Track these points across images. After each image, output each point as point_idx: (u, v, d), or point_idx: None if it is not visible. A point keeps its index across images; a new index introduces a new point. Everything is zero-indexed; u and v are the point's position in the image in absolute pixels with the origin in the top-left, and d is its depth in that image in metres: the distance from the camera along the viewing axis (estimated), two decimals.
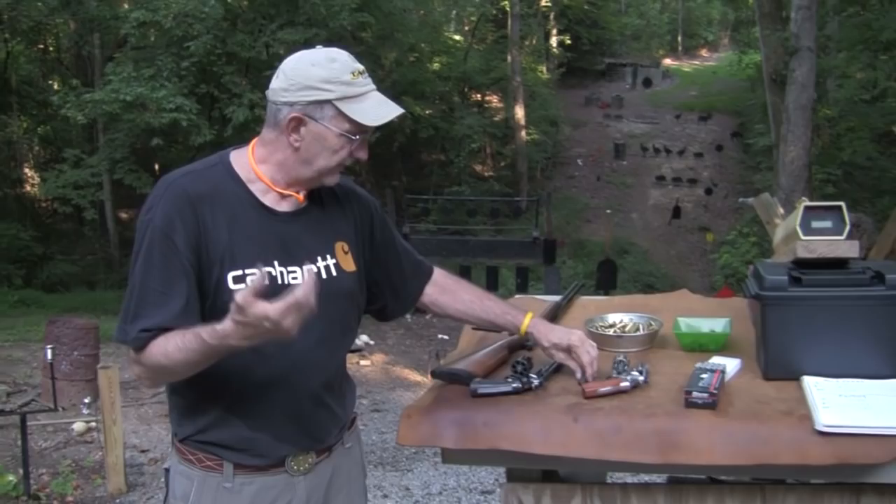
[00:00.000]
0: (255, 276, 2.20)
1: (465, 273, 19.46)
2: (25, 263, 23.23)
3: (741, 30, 45.67)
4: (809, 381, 2.44)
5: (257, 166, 2.61)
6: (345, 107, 2.49)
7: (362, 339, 16.35)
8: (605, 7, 50.53)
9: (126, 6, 24.33)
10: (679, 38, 61.90)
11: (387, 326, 18.05)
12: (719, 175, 36.83)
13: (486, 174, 35.62)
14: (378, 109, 2.55)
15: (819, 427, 2.21)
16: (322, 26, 22.37)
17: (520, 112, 34.63)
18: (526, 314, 2.79)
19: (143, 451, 9.02)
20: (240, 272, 2.47)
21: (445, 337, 17.18)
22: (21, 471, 7.78)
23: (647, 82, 49.99)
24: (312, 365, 2.59)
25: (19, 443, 8.02)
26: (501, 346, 2.77)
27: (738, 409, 2.35)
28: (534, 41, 42.35)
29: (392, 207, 21.10)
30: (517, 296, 3.71)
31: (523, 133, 34.72)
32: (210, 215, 2.49)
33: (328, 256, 2.66)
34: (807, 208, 2.64)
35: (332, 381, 2.70)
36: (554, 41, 45.42)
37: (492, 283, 19.26)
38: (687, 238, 33.25)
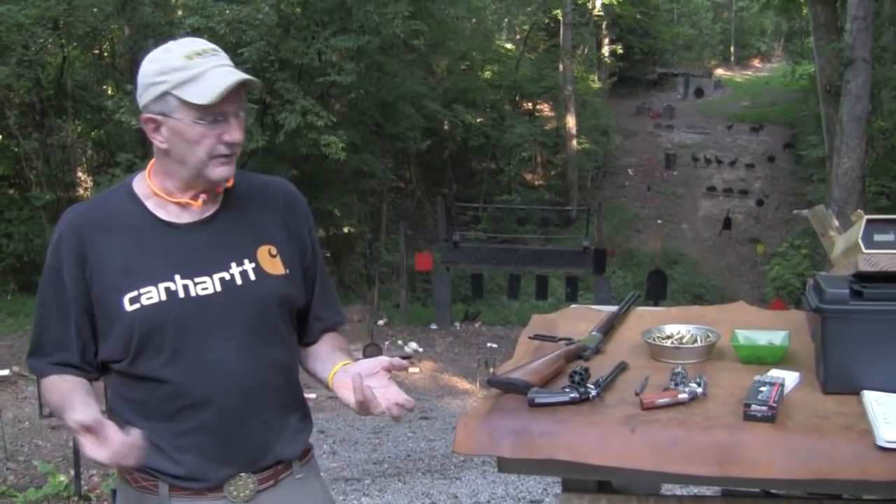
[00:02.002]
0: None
1: (514, 281, 19.49)
2: None
3: (795, 40, 45.42)
4: (870, 396, 2.40)
5: (152, 181, 2.55)
6: (181, 93, 2.38)
7: (411, 346, 16.37)
8: (658, 17, 50.46)
9: (180, 13, 24.50)
10: (731, 49, 61.62)
11: (435, 334, 18.10)
12: (771, 186, 36.63)
13: (536, 183, 35.63)
14: (215, 84, 2.39)
15: (880, 442, 2.18)
16: (375, 34, 22.44)
17: (571, 121, 34.65)
18: (335, 365, 2.69)
19: None
20: (134, 293, 2.43)
21: (494, 346, 17.19)
22: (72, 471, 7.87)
23: (699, 92, 49.85)
24: (232, 379, 2.48)
25: (71, 444, 8.11)
26: (558, 356, 2.76)
27: (797, 423, 2.32)
28: (585, 50, 42.32)
29: (442, 215, 21.07)
30: (572, 306, 3.68)
31: (574, 142, 34.73)
32: (103, 244, 2.47)
33: (245, 261, 2.55)
34: (869, 221, 2.60)
35: (261, 395, 2.54)
36: (606, 50, 45.36)
37: (541, 292, 19.25)
38: (737, 249, 33.11)
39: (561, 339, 3.02)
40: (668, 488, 3.13)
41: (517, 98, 37.58)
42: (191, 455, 2.47)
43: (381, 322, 19.15)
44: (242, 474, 2.53)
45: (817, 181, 27.43)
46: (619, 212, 34.93)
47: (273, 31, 21.52)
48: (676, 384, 2.53)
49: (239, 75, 2.44)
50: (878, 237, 2.56)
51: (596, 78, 42.83)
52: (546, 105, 39.18)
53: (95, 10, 23.28)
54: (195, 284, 2.48)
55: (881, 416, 2.27)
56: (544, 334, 3.14)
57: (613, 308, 3.36)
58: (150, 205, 2.53)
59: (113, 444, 2.21)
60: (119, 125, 22.63)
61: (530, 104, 38.60)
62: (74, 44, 25.35)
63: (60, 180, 25.28)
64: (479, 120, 33.22)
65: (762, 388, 2.42)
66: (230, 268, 2.53)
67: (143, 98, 2.45)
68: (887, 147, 25.72)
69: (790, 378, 2.59)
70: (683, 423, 2.35)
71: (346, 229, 26.17)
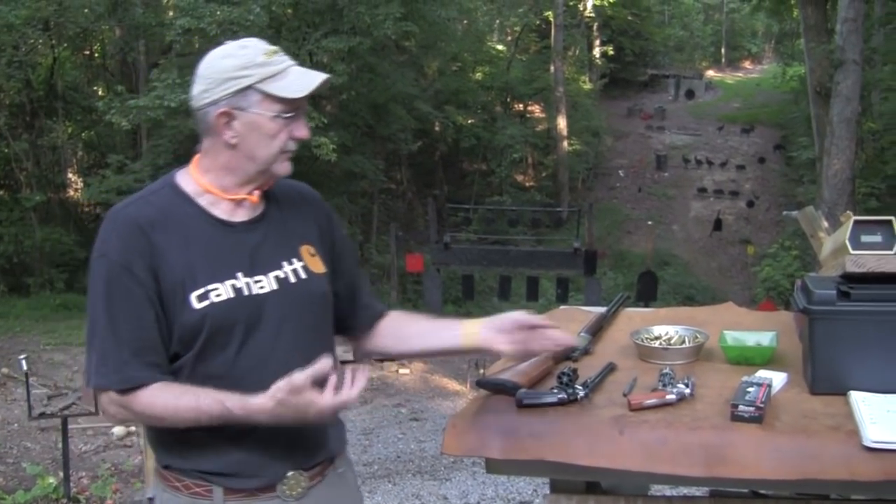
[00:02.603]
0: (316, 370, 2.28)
1: (505, 282, 19.49)
2: (68, 268, 23.30)
3: (785, 42, 45.56)
4: (857, 396, 2.41)
5: (203, 178, 2.54)
6: (268, 87, 2.44)
7: None
8: (649, 18, 50.54)
9: (171, 14, 24.48)
10: (722, 50, 61.71)
11: None
12: (761, 187, 36.68)
13: (527, 184, 35.65)
14: (301, 80, 2.49)
15: (867, 443, 2.19)
16: (366, 35, 22.44)
17: (562, 122, 34.67)
18: (463, 327, 2.75)
19: None
20: (202, 290, 2.42)
21: None
22: (61, 473, 7.85)
23: (690, 94, 49.87)
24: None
25: (60, 446, 8.08)
26: (547, 357, 2.75)
27: (784, 424, 2.33)
28: (577, 52, 42.33)
29: (433, 216, 21.06)
30: (561, 307, 3.69)
31: (565, 143, 34.74)
32: (163, 240, 2.43)
33: (294, 260, 2.60)
34: (856, 222, 2.61)
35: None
36: (597, 52, 45.41)
37: (532, 293, 19.25)
38: (728, 251, 33.14)
39: None
40: (656, 489, 3.14)
41: (508, 99, 37.60)
42: (250, 452, 2.49)
43: None
44: (295, 472, 2.55)
45: (807, 182, 27.47)
46: (610, 213, 34.96)
47: (264, 32, 21.46)
48: (664, 385, 2.53)
49: (320, 73, 2.54)
50: (865, 238, 2.57)
51: (587, 79, 42.84)
52: (537, 106, 39.19)
53: (86, 10, 23.25)
54: (255, 283, 2.50)
55: (868, 417, 2.28)
56: None
57: (603, 309, 3.36)
58: (203, 202, 2.53)
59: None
60: (110, 126, 22.63)
61: (521, 105, 38.63)
62: (65, 44, 25.34)
63: (51, 181, 25.27)
64: (470, 121, 33.24)
65: (750, 389, 2.42)
66: (282, 266, 2.57)
67: (215, 93, 2.44)
68: (877, 149, 25.79)
69: (778, 379, 2.59)
70: (671, 424, 2.36)
71: None
